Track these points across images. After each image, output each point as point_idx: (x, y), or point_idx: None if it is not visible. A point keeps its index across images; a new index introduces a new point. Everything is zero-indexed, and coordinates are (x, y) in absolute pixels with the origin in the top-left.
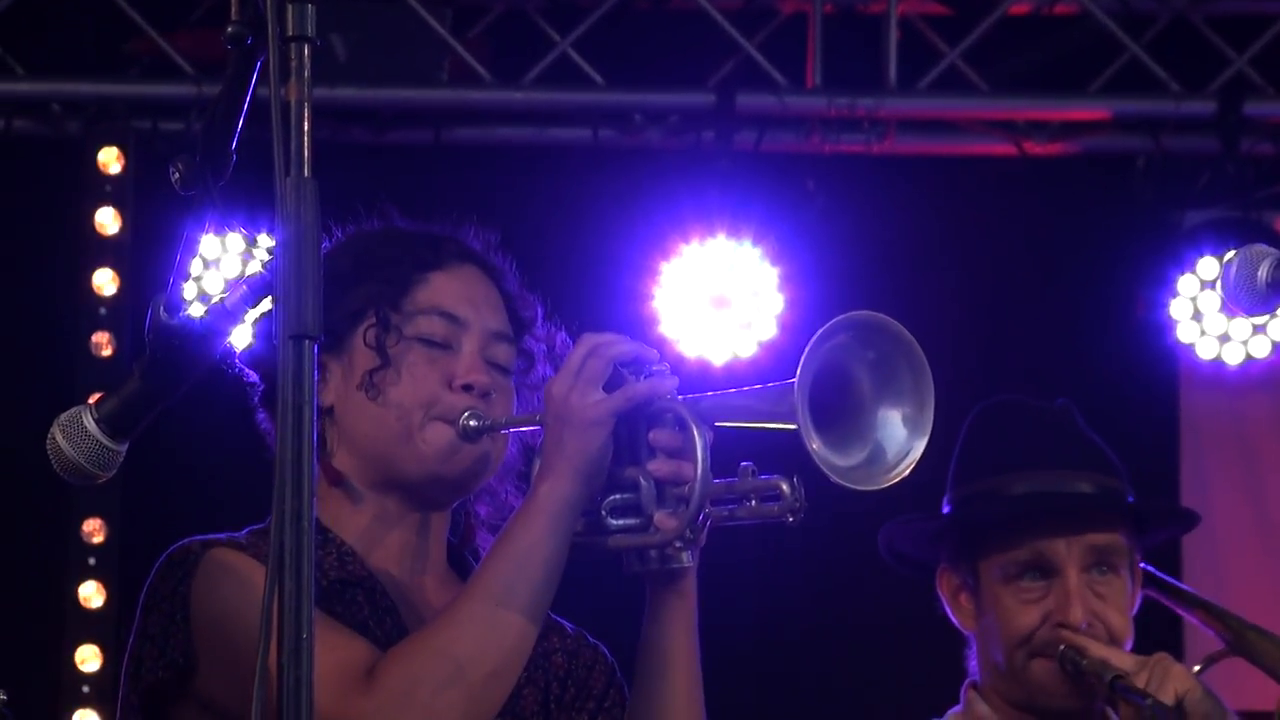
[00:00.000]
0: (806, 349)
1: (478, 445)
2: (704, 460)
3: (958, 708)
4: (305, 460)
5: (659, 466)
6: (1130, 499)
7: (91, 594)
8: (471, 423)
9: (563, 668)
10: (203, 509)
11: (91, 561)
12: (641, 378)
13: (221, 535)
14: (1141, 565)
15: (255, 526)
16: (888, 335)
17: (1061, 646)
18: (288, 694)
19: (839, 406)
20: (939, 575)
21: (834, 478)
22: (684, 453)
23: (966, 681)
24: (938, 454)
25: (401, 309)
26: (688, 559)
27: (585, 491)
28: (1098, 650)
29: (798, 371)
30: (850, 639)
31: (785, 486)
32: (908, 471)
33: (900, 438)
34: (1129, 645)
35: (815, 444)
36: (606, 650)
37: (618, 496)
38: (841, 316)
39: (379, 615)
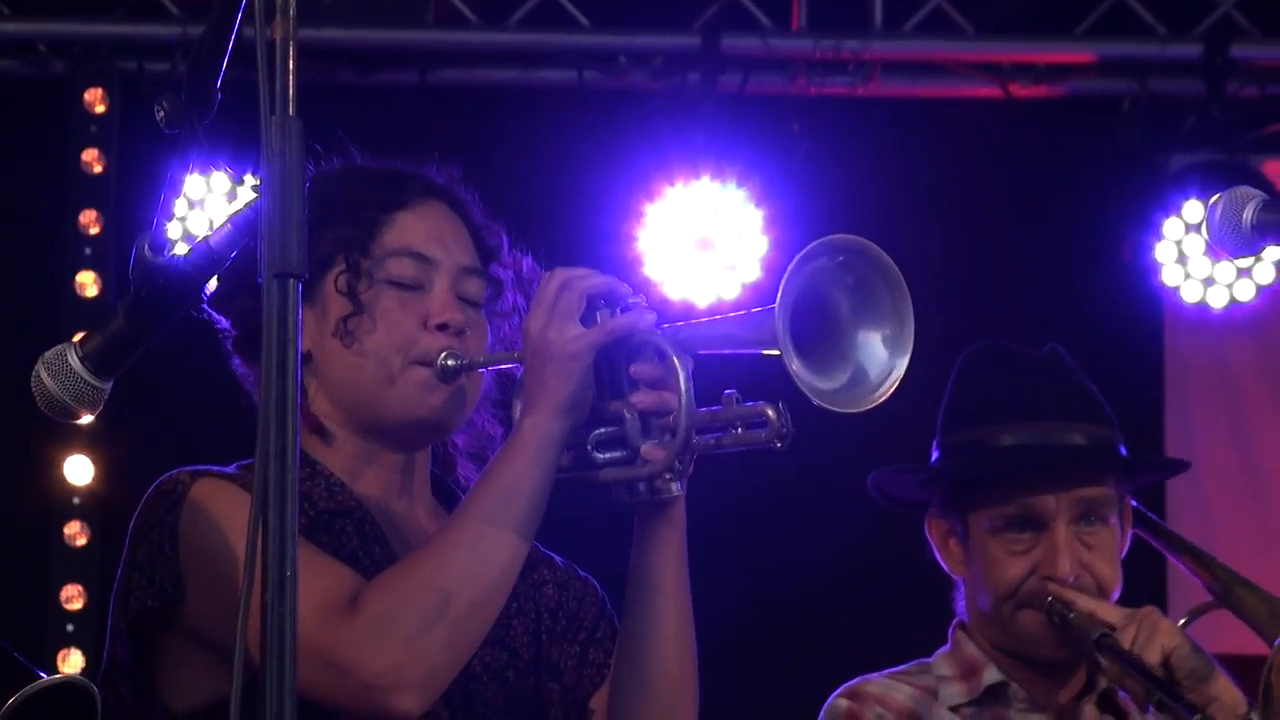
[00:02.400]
0: (786, 273)
1: (456, 384)
2: (687, 390)
3: (946, 647)
4: (289, 398)
5: (642, 398)
6: (1121, 448)
7: (76, 533)
8: (449, 362)
9: (553, 599)
10: (187, 448)
11: (76, 501)
12: (617, 311)
13: (212, 466)
14: (1131, 504)
15: (245, 462)
16: (866, 257)
17: (1049, 599)
18: (271, 630)
19: (818, 330)
20: (928, 520)
21: (817, 401)
22: (666, 383)
23: (954, 621)
24: (926, 397)
25: (370, 253)
26: (677, 489)
27: (568, 425)
28: (1085, 603)
29: (778, 296)
30: (839, 580)
31: (771, 412)
32: (891, 391)
33: (881, 358)
34: (1117, 593)
35: (796, 366)
36: (596, 583)
37: (602, 430)
38: (819, 240)
39: (367, 544)
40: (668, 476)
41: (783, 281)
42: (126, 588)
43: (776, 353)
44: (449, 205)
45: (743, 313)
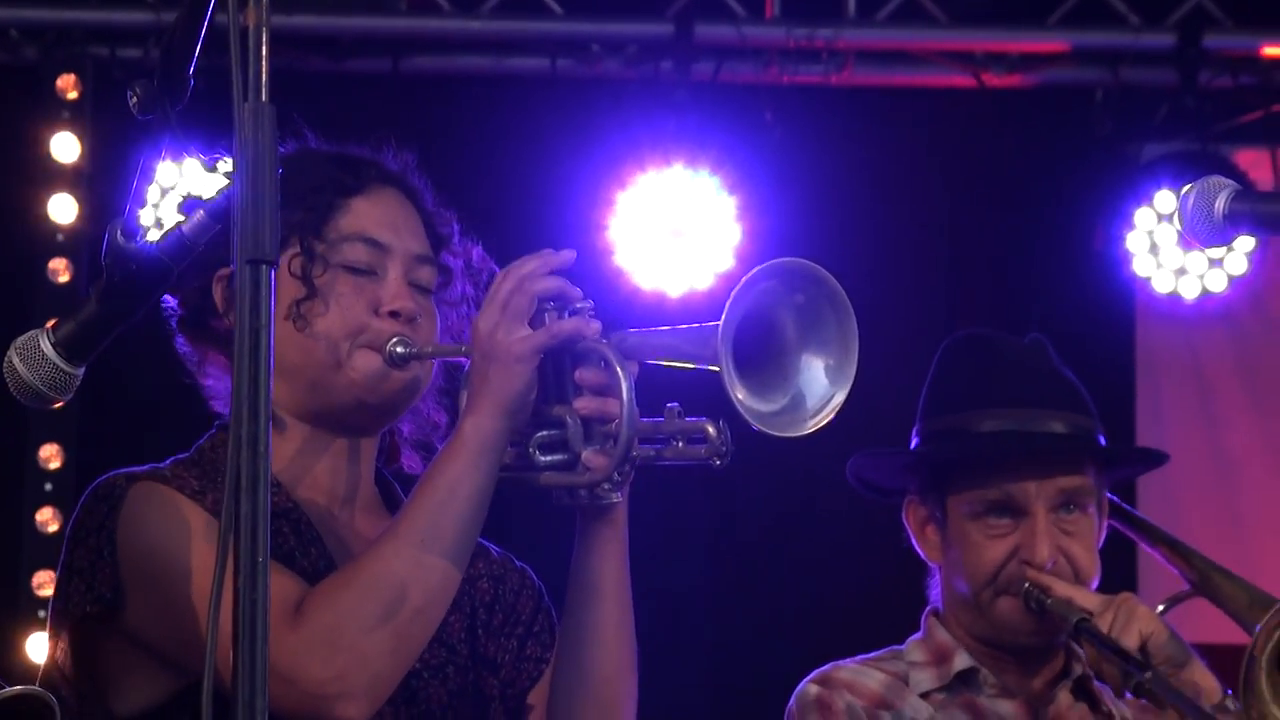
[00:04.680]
0: (732, 294)
1: (405, 371)
2: (630, 399)
3: (918, 635)
4: (262, 385)
5: (585, 404)
6: (1101, 439)
7: (48, 519)
8: (399, 349)
9: (489, 593)
10: (158, 434)
11: (48, 487)
12: (566, 314)
13: (145, 468)
14: (1109, 497)
15: (179, 456)
16: (816, 283)
17: (1026, 585)
18: (243, 617)
19: (762, 351)
20: (906, 506)
21: (755, 424)
22: (609, 391)
23: (927, 609)
24: (904, 385)
25: (324, 237)
26: (618, 496)
27: (510, 426)
28: (1063, 590)
29: (723, 316)
30: (812, 567)
31: (711, 430)
32: (830, 418)
33: (822, 384)
34: (1095, 582)
35: (739, 392)
36: (533, 573)
37: (545, 433)
38: (770, 262)
39: (304, 546)
40: (607, 486)
41: (728, 302)
42: (65, 593)
43: (719, 370)
44: (403, 192)
45: (689, 327)
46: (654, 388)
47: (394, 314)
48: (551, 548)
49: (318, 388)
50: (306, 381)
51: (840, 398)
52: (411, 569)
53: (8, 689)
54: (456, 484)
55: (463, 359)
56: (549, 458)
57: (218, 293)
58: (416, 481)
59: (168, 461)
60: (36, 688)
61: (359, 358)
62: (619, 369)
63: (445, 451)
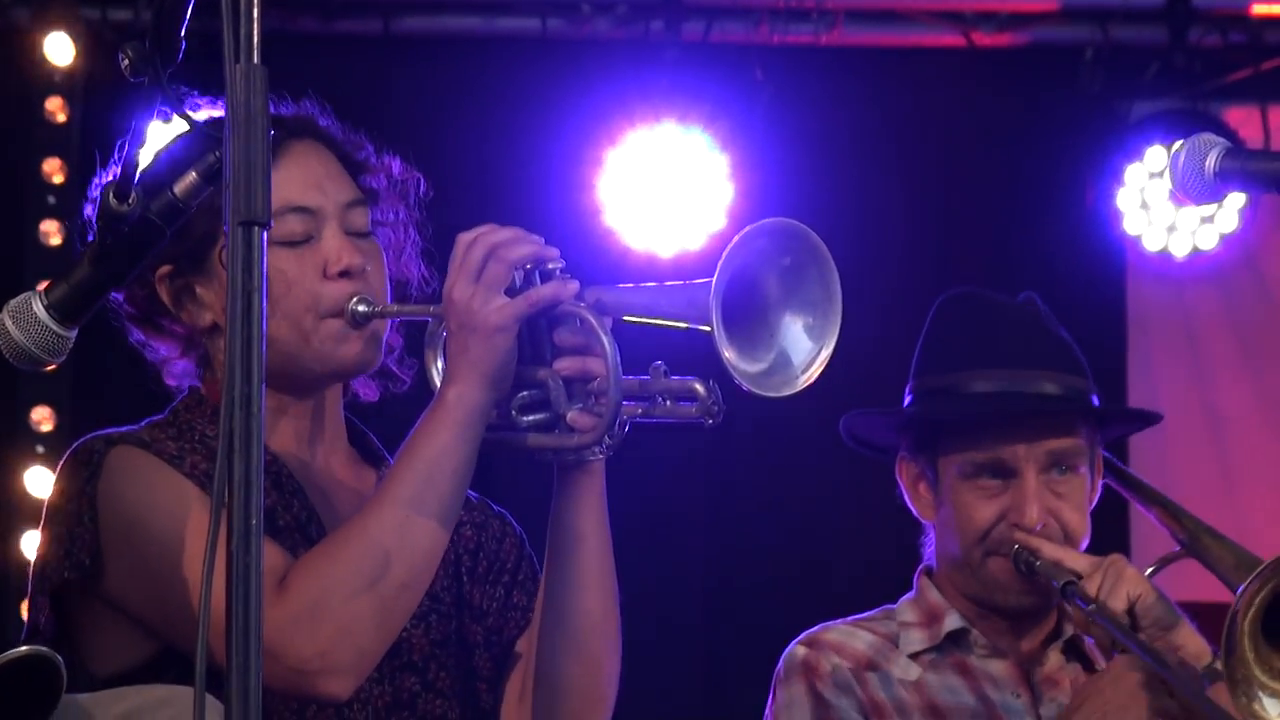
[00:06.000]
0: (725, 254)
1: (367, 328)
2: (614, 357)
3: (910, 594)
4: (255, 346)
5: (566, 364)
6: (1094, 399)
7: (40, 482)
8: (360, 308)
9: (472, 541)
10: (150, 396)
11: (40, 449)
12: (538, 275)
13: (121, 430)
14: (1102, 453)
15: (154, 419)
16: (802, 244)
17: (1016, 546)
18: (237, 579)
19: (745, 311)
20: (899, 463)
21: (745, 385)
22: (590, 350)
23: (920, 567)
24: (895, 342)
25: None
26: (601, 452)
27: (493, 396)
28: (1052, 551)
29: (715, 274)
30: (806, 525)
31: (700, 388)
32: (819, 373)
33: (806, 342)
34: (1085, 543)
35: (728, 351)
36: (512, 518)
37: (526, 394)
38: (762, 222)
39: (286, 498)
40: (598, 449)
41: (721, 261)
42: (44, 558)
43: (690, 327)
44: (313, 139)
45: (669, 284)
46: (624, 349)
47: (344, 274)
48: (520, 492)
49: (290, 363)
50: (279, 358)
51: (827, 353)
52: (396, 543)
53: (15, 650)
54: (441, 457)
55: (427, 318)
56: (531, 418)
57: (163, 292)
58: (399, 450)
59: (143, 423)
60: (43, 648)
61: (324, 328)
62: (598, 328)
63: (428, 421)
